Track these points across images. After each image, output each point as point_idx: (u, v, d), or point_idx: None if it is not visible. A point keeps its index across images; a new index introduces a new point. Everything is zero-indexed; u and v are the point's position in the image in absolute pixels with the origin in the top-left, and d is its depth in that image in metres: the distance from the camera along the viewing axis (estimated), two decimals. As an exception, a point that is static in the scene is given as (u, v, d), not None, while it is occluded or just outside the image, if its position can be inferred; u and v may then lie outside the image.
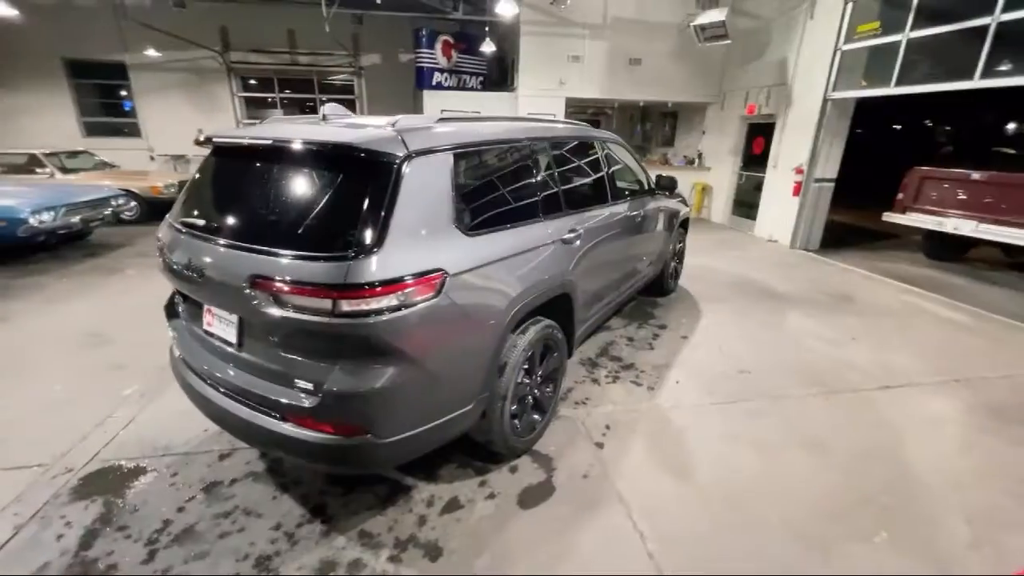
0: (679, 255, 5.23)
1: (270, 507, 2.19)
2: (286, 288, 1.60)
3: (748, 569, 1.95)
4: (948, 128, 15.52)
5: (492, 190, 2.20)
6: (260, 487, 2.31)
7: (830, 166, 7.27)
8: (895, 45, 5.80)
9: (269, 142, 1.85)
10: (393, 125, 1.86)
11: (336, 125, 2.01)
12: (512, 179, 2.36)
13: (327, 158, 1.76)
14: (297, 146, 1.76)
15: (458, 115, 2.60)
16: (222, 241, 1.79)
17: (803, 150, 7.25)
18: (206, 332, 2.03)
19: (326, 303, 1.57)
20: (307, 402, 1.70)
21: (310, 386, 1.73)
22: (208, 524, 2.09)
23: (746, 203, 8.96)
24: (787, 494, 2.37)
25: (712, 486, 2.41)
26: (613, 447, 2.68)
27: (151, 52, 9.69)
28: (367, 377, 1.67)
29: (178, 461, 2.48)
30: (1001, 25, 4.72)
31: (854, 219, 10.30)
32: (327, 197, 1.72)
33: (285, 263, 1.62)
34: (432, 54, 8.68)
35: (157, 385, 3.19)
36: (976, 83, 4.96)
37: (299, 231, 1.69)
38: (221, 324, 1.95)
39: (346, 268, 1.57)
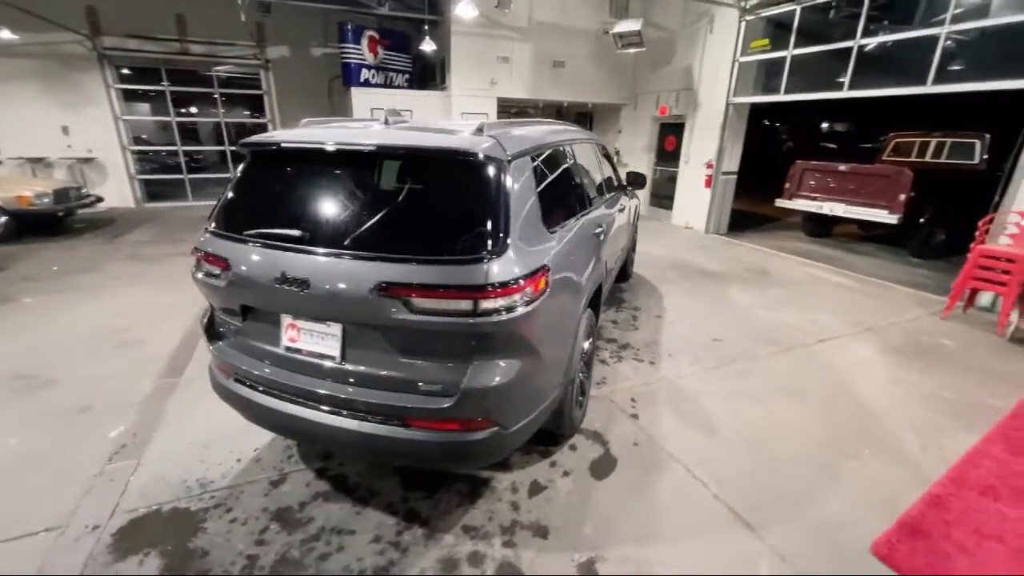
0: (634, 244, 5.78)
1: (359, 522, 2.13)
2: (426, 293, 1.62)
3: (787, 493, 2.38)
4: (786, 127, 18.69)
5: (554, 190, 2.36)
6: (336, 506, 2.22)
7: (733, 161, 8.44)
8: (782, 60, 6.95)
9: (373, 147, 1.81)
10: (482, 130, 1.93)
11: (413, 129, 2.01)
12: (562, 179, 2.54)
13: (439, 163, 1.78)
14: (407, 151, 1.77)
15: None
16: (335, 251, 1.72)
17: (711, 147, 8.32)
18: (288, 349, 1.92)
19: (467, 304, 1.63)
20: (442, 403, 1.73)
21: (438, 387, 1.77)
22: (301, 550, 1.99)
23: (662, 195, 9.99)
24: (790, 433, 2.89)
25: (734, 436, 2.84)
26: (646, 417, 3.00)
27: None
28: (500, 371, 1.76)
29: (225, 496, 2.27)
30: (861, 48, 5.95)
31: (738, 205, 11.99)
32: (446, 201, 1.76)
33: (422, 268, 1.64)
34: (359, 50, 8.31)
35: (146, 421, 2.82)
36: (846, 93, 6.18)
37: (424, 236, 1.71)
38: (314, 338, 1.86)
39: (485, 269, 1.64)
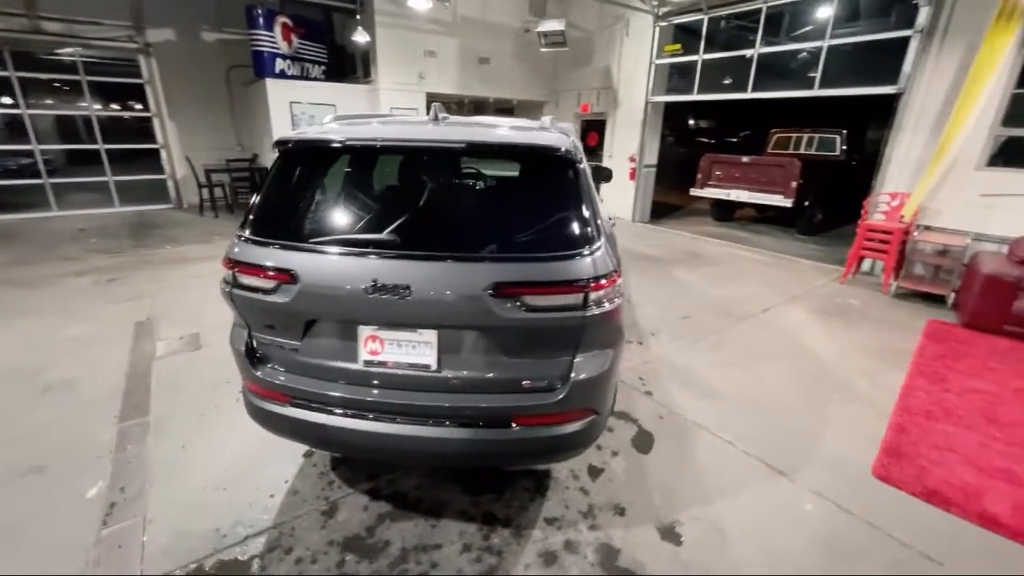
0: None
1: (439, 535, 2.05)
2: (541, 290, 1.62)
3: (796, 440, 2.77)
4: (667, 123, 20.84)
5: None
6: (408, 524, 2.11)
7: (652, 154, 9.21)
8: (694, 64, 7.74)
9: (463, 145, 1.72)
10: (547, 128, 1.96)
11: (475, 126, 1.95)
12: (593, 175, 2.63)
13: (532, 160, 1.77)
14: (501, 149, 1.73)
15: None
16: (440, 253, 1.62)
17: (633, 142, 8.99)
18: (369, 363, 1.77)
19: (578, 298, 1.66)
20: (550, 398, 1.74)
21: (544, 383, 1.78)
22: (387, 565, 1.87)
23: (587, 188, 10.54)
24: (776, 389, 3.33)
25: (736, 398, 3.20)
26: (658, 392, 3.24)
27: None
28: (600, 360, 1.81)
29: (276, 537, 2.03)
30: (761, 55, 6.86)
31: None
32: (542, 198, 1.75)
33: (534, 266, 1.63)
34: (272, 37, 7.51)
35: (128, 472, 2.40)
36: (749, 95, 7.09)
37: (529, 234, 1.69)
38: (403, 348, 1.74)
39: (591, 262, 1.68)
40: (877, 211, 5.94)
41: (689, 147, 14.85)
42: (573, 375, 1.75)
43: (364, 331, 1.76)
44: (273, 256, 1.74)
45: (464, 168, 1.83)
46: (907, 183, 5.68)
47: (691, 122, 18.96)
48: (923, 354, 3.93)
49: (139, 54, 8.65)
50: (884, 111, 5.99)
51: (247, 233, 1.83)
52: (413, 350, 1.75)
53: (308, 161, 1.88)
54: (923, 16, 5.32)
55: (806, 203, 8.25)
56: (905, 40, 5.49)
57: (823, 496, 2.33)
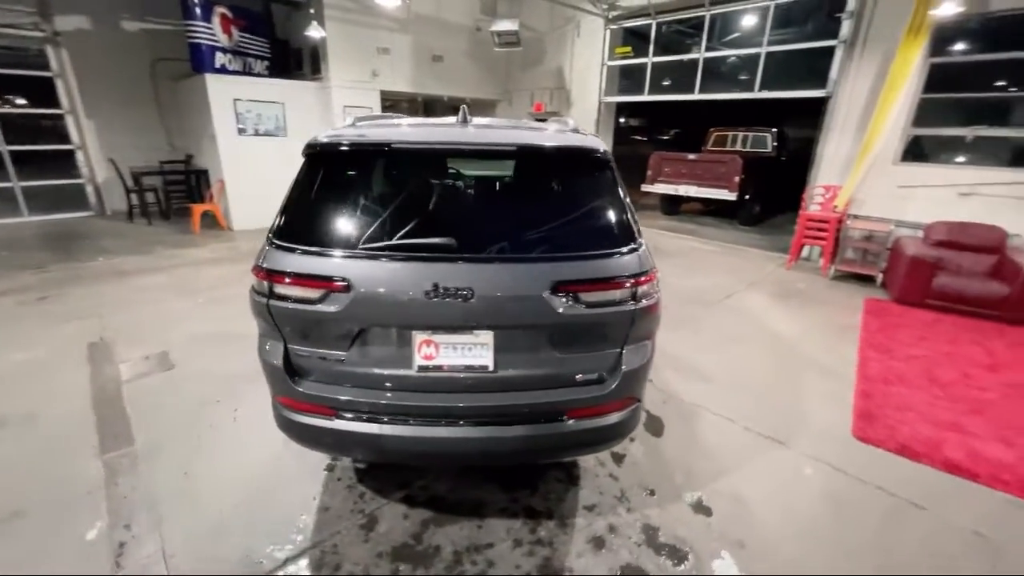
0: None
1: (488, 534, 2.08)
2: (598, 286, 1.69)
3: (785, 413, 3.06)
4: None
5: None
6: (453, 527, 2.11)
7: (606, 153, 9.55)
8: (644, 66, 8.13)
9: (514, 147, 1.73)
10: (576, 130, 2.03)
11: (503, 128, 1.97)
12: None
13: (575, 161, 1.82)
14: (550, 152, 1.78)
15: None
16: (500, 255, 1.64)
17: (588, 141, 9.28)
18: (423, 368, 1.75)
19: (629, 291, 1.76)
20: (602, 390, 1.82)
21: (595, 375, 1.85)
22: (442, 569, 1.87)
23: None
24: (757, 370, 3.64)
25: (724, 379, 3.46)
26: (657, 379, 3.43)
27: None
28: (645, 351, 1.92)
29: (319, 556, 1.96)
30: (706, 59, 7.35)
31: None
32: (587, 198, 1.82)
33: (590, 263, 1.69)
34: (210, 29, 6.93)
35: (129, 507, 2.20)
36: (696, 96, 7.57)
37: (581, 232, 1.75)
38: (459, 351, 1.74)
39: (639, 257, 1.79)
40: (814, 202, 6.59)
41: (623, 144, 15.55)
42: (624, 367, 1.84)
43: (419, 336, 1.74)
44: (320, 264, 1.68)
45: (502, 170, 1.85)
46: (838, 177, 6.35)
47: (622, 120, 19.86)
48: (868, 328, 4.45)
49: (46, 44, 7.68)
50: (813, 111, 6.65)
51: (283, 241, 1.74)
52: (469, 352, 1.76)
53: (349, 164, 1.82)
54: (846, 28, 5.96)
55: (747, 196, 8.95)
56: (831, 49, 6.12)
57: (818, 460, 2.61)
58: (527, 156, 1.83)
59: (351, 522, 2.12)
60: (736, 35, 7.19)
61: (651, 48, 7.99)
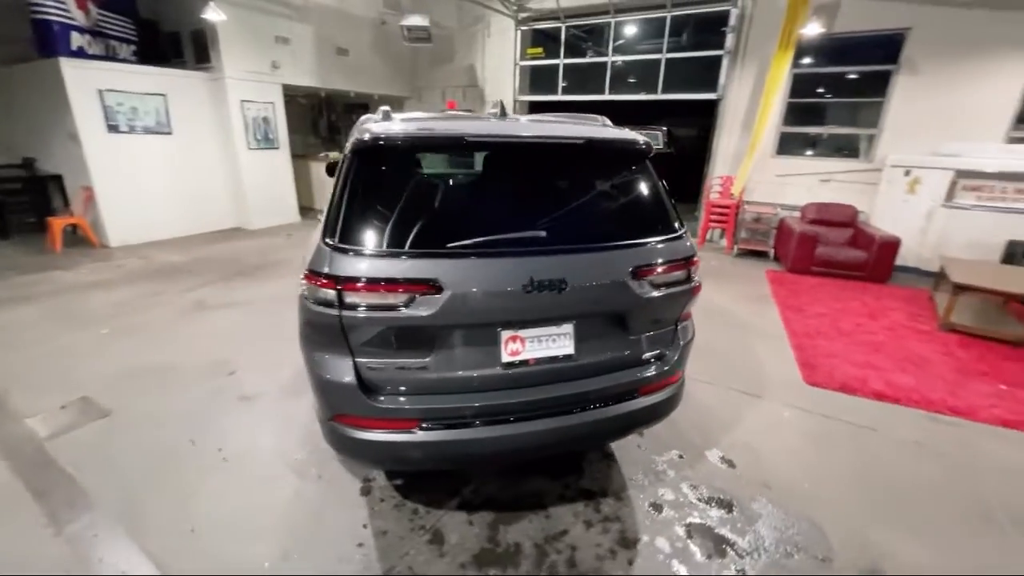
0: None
1: (557, 522, 2.11)
2: (668, 268, 1.82)
3: (751, 372, 3.53)
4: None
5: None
6: (522, 523, 2.11)
7: (522, 150, 9.83)
8: (556, 67, 8.52)
9: (583, 141, 1.75)
10: (607, 125, 2.14)
11: (547, 123, 2.00)
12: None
13: (630, 155, 1.91)
14: (613, 143, 1.85)
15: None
16: (587, 245, 1.66)
17: (505, 139, 9.46)
18: (508, 365, 1.73)
19: (688, 272, 1.92)
20: (664, 366, 1.97)
21: (657, 352, 1.99)
22: (544, 570, 1.88)
23: (460, 184, 10.73)
24: (711, 338, 4.12)
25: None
26: (638, 356, 3.71)
27: None
28: (690, 326, 2.11)
29: (398, 580, 1.82)
30: (614, 64, 7.96)
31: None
32: (640, 188, 1.93)
33: (658, 248, 1.81)
34: (62, 3, 5.63)
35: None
36: (606, 97, 8.16)
37: (645, 220, 1.86)
38: (544, 343, 1.75)
39: (690, 242, 1.96)
40: (714, 191, 7.56)
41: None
42: (680, 341, 2.01)
43: (505, 333, 1.71)
44: (404, 267, 1.56)
45: (583, 162, 1.91)
46: (730, 168, 7.38)
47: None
48: (778, 295, 5.28)
49: None
50: (707, 112, 7.62)
51: (347, 244, 1.58)
52: (553, 343, 1.78)
53: (417, 159, 1.71)
54: (730, 40, 6.93)
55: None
56: (719, 58, 7.06)
57: (790, 405, 3.08)
58: (591, 149, 1.89)
59: (417, 540, 2.00)
60: (639, 42, 7.91)
61: (561, 50, 8.42)
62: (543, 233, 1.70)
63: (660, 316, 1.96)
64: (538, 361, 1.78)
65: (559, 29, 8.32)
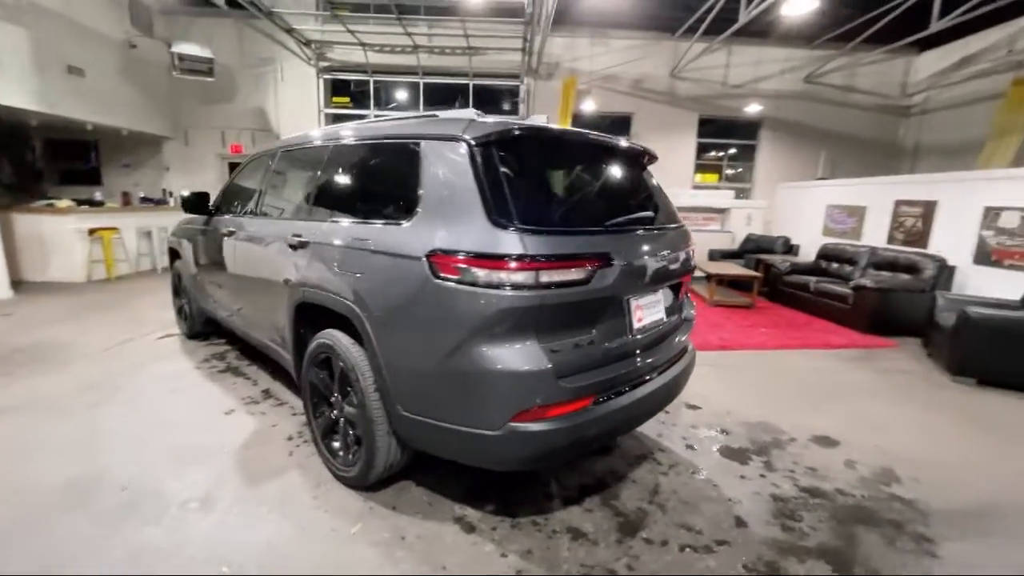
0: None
1: (642, 484, 2.33)
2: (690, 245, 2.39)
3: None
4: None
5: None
6: (625, 493, 2.24)
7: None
8: (366, 116, 8.57)
9: (640, 148, 2.12)
10: None
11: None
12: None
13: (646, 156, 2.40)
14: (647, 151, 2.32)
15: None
16: (662, 225, 2.07)
17: (313, 187, 8.79)
18: (637, 331, 1.94)
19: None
20: (692, 320, 2.51)
21: (693, 311, 2.53)
22: (661, 514, 2.09)
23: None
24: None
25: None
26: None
27: None
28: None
29: (584, 579, 1.73)
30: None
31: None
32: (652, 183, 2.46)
33: (685, 229, 2.37)
34: None
35: None
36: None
37: (668, 209, 2.37)
38: (652, 310, 2.03)
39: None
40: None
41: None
42: (692, 303, 2.61)
43: (633, 301, 1.94)
44: (588, 243, 1.66)
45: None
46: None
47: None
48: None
49: None
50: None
51: (528, 224, 1.58)
52: (655, 309, 2.09)
53: (550, 152, 1.79)
54: (522, 109, 8.53)
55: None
56: (516, 121, 8.57)
57: (721, 366, 4.06)
58: (645, 153, 2.31)
59: (565, 544, 1.90)
60: (447, 103, 8.81)
61: (371, 101, 8.57)
62: (651, 213, 2.04)
63: (684, 278, 2.51)
64: (652, 325, 2.06)
65: (367, 82, 8.49)
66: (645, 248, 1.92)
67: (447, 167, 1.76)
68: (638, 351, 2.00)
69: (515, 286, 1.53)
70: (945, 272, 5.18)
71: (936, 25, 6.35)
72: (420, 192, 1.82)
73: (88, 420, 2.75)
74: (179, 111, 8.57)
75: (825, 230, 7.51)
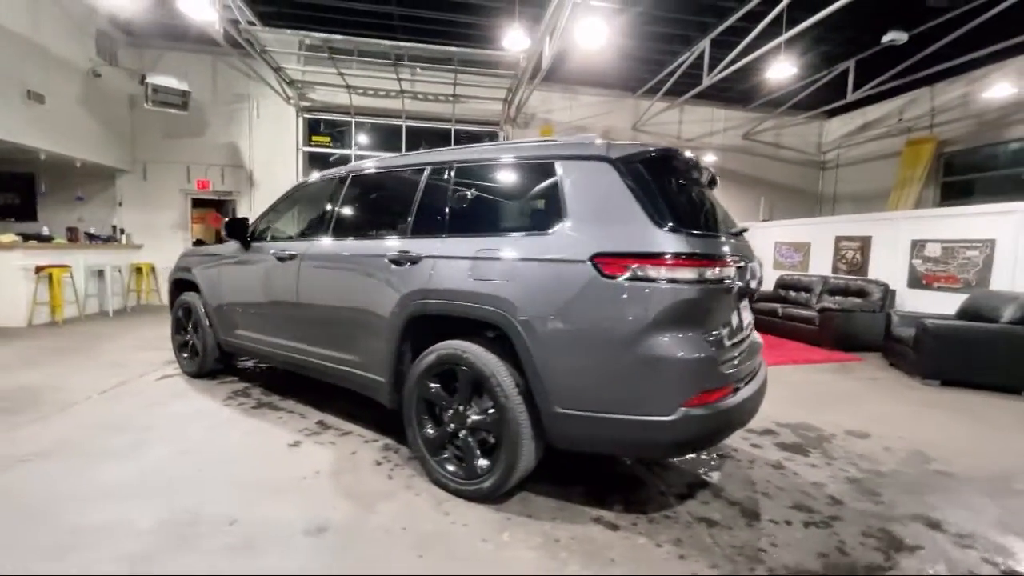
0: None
1: (719, 469, 2.52)
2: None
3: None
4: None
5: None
6: (713, 474, 2.40)
7: (305, 237, 8.97)
8: (348, 157, 8.55)
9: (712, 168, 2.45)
10: None
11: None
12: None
13: None
14: None
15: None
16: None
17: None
18: (739, 329, 2.17)
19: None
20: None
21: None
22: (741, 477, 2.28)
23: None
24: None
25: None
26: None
27: None
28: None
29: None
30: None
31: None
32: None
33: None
34: None
35: None
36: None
37: None
38: (747, 311, 2.30)
39: None
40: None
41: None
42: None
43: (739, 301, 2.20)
44: (728, 246, 1.92)
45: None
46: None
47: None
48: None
49: None
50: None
51: (679, 226, 1.80)
52: (747, 311, 2.36)
53: (671, 170, 2.06)
54: (501, 152, 8.96)
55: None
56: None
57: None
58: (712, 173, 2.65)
59: (698, 530, 2.01)
60: (429, 146, 9.04)
61: (353, 141, 8.61)
62: (745, 226, 2.36)
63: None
64: (746, 325, 2.32)
65: (349, 123, 8.55)
66: (746, 254, 2.21)
67: (594, 182, 1.96)
68: (743, 349, 2.24)
69: (685, 281, 1.73)
70: (889, 295, 6.08)
71: (853, 95, 7.80)
72: (565, 205, 1.99)
73: (133, 462, 2.46)
74: (138, 144, 8.05)
75: (775, 264, 8.48)
